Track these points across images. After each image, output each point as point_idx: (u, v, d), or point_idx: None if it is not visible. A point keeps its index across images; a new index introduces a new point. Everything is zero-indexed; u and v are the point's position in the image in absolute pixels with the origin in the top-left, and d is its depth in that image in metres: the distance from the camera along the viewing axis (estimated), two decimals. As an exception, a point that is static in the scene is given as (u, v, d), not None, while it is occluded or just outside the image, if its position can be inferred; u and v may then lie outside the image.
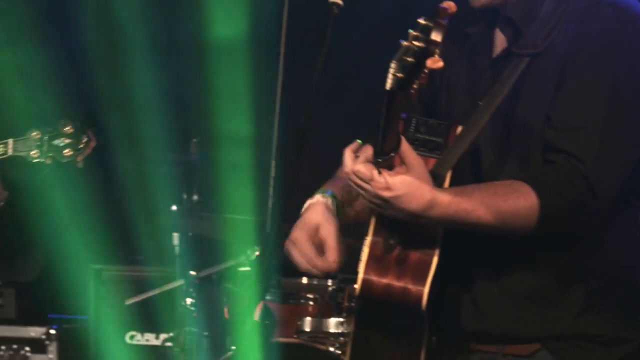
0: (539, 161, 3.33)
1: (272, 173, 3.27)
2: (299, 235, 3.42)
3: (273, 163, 3.26)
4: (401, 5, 6.32)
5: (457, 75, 3.54)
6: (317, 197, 3.49)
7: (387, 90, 2.99)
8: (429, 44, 2.92)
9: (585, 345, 3.37)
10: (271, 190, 3.28)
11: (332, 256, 3.42)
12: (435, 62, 2.93)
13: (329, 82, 3.23)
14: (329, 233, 3.43)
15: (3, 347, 6.83)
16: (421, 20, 2.94)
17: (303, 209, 3.49)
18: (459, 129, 3.38)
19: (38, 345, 6.86)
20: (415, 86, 2.99)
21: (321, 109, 3.22)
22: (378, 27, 6.52)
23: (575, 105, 3.29)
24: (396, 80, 2.96)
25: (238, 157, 6.52)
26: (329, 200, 3.48)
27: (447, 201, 3.22)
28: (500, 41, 3.47)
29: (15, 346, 6.86)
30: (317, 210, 3.46)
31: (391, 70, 2.96)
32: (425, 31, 2.93)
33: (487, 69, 3.46)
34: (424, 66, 2.94)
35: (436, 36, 2.92)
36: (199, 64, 7.65)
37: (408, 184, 3.18)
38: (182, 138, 6.39)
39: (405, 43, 2.95)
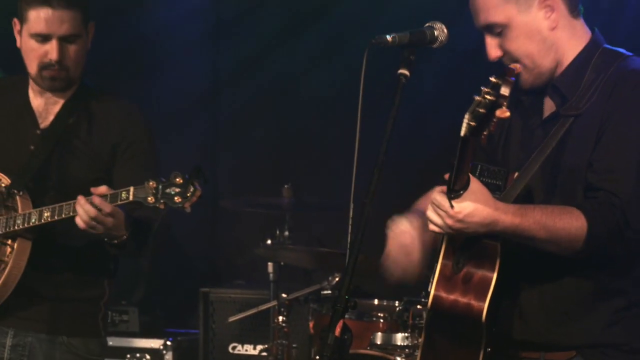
0: (581, 200, 3.33)
1: (350, 213, 3.27)
2: (393, 246, 3.48)
3: (351, 205, 3.26)
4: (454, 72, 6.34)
5: (513, 132, 3.56)
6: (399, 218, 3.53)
7: (462, 136, 3.01)
8: (499, 97, 2.96)
9: (612, 352, 3.37)
10: (349, 227, 3.28)
11: (416, 262, 3.48)
12: (503, 112, 2.98)
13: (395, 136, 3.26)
14: (416, 244, 3.47)
15: (128, 356, 6.87)
16: (492, 78, 2.99)
17: (389, 228, 3.53)
18: (515, 174, 3.40)
19: (157, 355, 6.88)
20: (485, 133, 3.02)
21: (389, 161, 3.25)
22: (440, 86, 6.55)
23: (612, 154, 3.31)
24: (469, 127, 2.98)
25: (321, 200, 6.54)
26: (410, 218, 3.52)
27: (512, 211, 3.24)
28: (549, 106, 3.50)
29: (138, 355, 6.88)
30: (406, 227, 3.50)
31: (465, 120, 2.99)
32: (496, 87, 2.97)
33: (537, 128, 3.49)
34: (494, 116, 2.97)
35: (505, 91, 2.97)
36: (289, 121, 7.71)
37: (473, 203, 3.18)
38: (277, 184, 6.40)
39: (477, 98, 2.98)
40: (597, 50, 3.46)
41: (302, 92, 7.60)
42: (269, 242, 6.29)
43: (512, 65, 3.08)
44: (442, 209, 3.20)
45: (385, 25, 6.82)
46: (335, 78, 7.06)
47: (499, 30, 3.43)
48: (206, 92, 8.07)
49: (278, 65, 7.67)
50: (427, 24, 3.38)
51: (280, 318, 5.97)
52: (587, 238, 3.24)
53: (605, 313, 3.37)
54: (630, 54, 3.48)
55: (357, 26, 7.19)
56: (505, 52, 3.44)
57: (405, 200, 3.65)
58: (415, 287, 5.57)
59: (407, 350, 5.58)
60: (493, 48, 3.45)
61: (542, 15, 3.42)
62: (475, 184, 3.20)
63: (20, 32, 4.24)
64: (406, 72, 3.28)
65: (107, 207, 3.91)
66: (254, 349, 6.79)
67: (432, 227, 3.27)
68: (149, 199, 3.87)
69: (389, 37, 3.31)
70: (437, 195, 3.21)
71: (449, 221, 3.20)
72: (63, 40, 4.17)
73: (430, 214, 3.25)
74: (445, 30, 3.38)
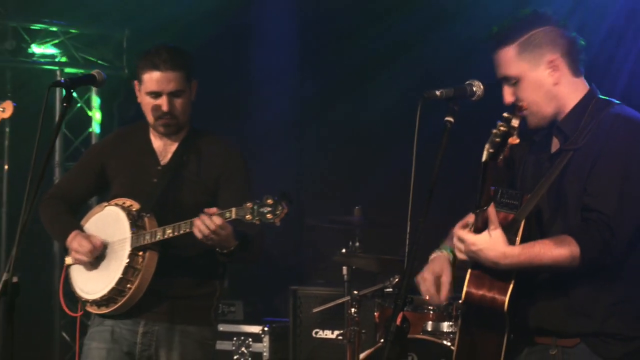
0: (578, 217, 3.32)
1: (408, 229, 3.28)
2: (427, 276, 3.51)
3: (408, 222, 3.28)
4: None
5: (526, 164, 3.57)
6: (443, 251, 3.55)
7: (483, 162, 3.07)
8: (510, 128, 3.06)
9: (609, 340, 3.34)
10: (407, 239, 3.28)
11: (444, 297, 3.49)
12: (513, 140, 3.07)
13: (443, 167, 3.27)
14: (445, 281, 3.49)
15: (234, 338, 6.90)
16: (505, 114, 3.09)
17: (431, 257, 3.57)
18: (528, 196, 3.39)
19: (256, 338, 6.91)
20: (501, 157, 3.08)
21: (438, 187, 3.26)
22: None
23: (601, 180, 3.30)
24: (488, 154, 3.05)
25: (385, 219, 6.52)
26: (449, 255, 3.53)
27: (517, 252, 3.25)
28: (555, 143, 3.49)
29: (242, 338, 6.92)
30: (441, 262, 3.53)
31: (485, 148, 3.07)
32: (508, 120, 3.06)
33: (546, 161, 3.48)
34: (507, 143, 3.03)
35: (515, 122, 3.06)
36: (359, 154, 7.70)
37: (486, 241, 3.23)
38: (350, 206, 6.39)
39: (494, 130, 3.06)
40: (592, 100, 3.46)
41: (368, 127, 7.59)
42: (343, 251, 6.28)
43: (520, 103, 3.11)
44: (462, 241, 3.27)
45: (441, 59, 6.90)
46: (397, 116, 7.01)
47: (513, 81, 3.44)
48: (292, 131, 8.10)
49: (350, 101, 7.66)
50: (467, 82, 3.40)
51: (353, 310, 5.96)
52: (581, 259, 3.24)
53: (602, 308, 3.34)
54: (618, 102, 3.47)
55: (413, 64, 7.18)
56: (517, 99, 3.43)
57: (450, 219, 3.64)
58: (458, 286, 5.55)
59: (451, 335, 5.56)
60: (508, 95, 3.46)
61: (547, 73, 3.42)
62: (496, 232, 3.23)
63: (139, 90, 4.31)
64: (451, 119, 3.29)
65: (219, 221, 3.94)
66: (332, 333, 6.80)
67: (457, 253, 3.35)
68: (247, 216, 3.89)
69: (437, 92, 3.33)
70: (459, 231, 3.29)
71: (467, 248, 3.26)
72: (171, 95, 4.22)
73: (456, 242, 3.32)
74: (482, 87, 3.39)
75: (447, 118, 3.28)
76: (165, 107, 4.21)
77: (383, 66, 7.51)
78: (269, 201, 3.87)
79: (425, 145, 3.32)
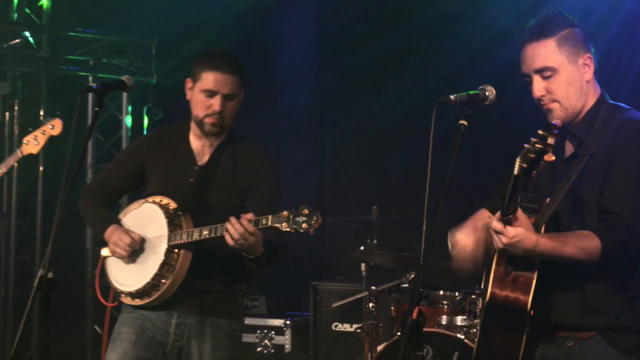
0: (595, 220, 3.32)
1: (424, 227, 3.28)
2: (456, 250, 3.53)
3: (424, 221, 3.28)
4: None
5: (542, 168, 3.54)
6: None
7: (515, 175, 3.03)
8: (546, 146, 2.98)
9: (624, 332, 3.35)
10: (423, 237, 3.29)
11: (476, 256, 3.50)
12: (550, 157, 3.00)
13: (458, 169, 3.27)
14: (469, 243, 3.51)
15: (258, 331, 6.91)
16: (540, 131, 3.00)
17: (449, 235, 3.56)
18: (547, 200, 3.39)
19: (279, 331, 6.91)
20: (535, 172, 3.02)
21: (453, 187, 3.26)
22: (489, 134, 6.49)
23: (618, 183, 3.30)
24: (521, 168, 3.00)
25: (402, 217, 6.51)
26: None
27: (545, 242, 3.25)
28: (569, 147, 3.49)
29: (265, 331, 6.92)
30: (458, 234, 3.55)
31: (517, 162, 3.01)
32: (543, 138, 2.97)
33: (561, 165, 3.47)
34: (542, 160, 2.98)
35: (551, 141, 2.98)
36: (377, 155, 7.69)
37: (523, 233, 3.21)
38: (368, 205, 6.39)
39: (527, 145, 3.00)
40: (604, 105, 3.46)
41: (386, 129, 7.57)
42: (362, 248, 6.28)
43: (554, 121, 3.07)
44: (499, 232, 3.24)
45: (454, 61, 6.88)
46: (414, 116, 6.99)
47: (549, 74, 3.40)
48: (312, 132, 8.10)
49: (369, 103, 7.65)
50: (480, 87, 3.39)
51: (371, 304, 5.96)
52: (601, 254, 3.25)
53: (617, 304, 3.35)
54: (629, 107, 3.48)
55: (437, 66, 7.16)
56: (548, 93, 3.41)
57: (463, 217, 3.64)
58: (471, 282, 5.54)
59: (465, 329, 5.56)
60: (539, 89, 3.42)
61: (582, 70, 3.42)
62: (525, 222, 3.24)
63: (192, 88, 4.30)
64: (465, 122, 3.30)
65: (250, 227, 3.94)
66: (351, 327, 6.80)
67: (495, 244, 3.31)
68: (283, 224, 3.87)
69: (452, 97, 3.34)
70: (495, 222, 3.25)
71: (504, 240, 3.23)
72: (225, 98, 4.24)
73: (494, 235, 3.28)
74: (494, 92, 3.38)
75: (461, 121, 3.29)
76: (217, 107, 4.22)
77: (401, 69, 7.49)
78: (305, 211, 3.85)
79: (440, 146, 3.32)
